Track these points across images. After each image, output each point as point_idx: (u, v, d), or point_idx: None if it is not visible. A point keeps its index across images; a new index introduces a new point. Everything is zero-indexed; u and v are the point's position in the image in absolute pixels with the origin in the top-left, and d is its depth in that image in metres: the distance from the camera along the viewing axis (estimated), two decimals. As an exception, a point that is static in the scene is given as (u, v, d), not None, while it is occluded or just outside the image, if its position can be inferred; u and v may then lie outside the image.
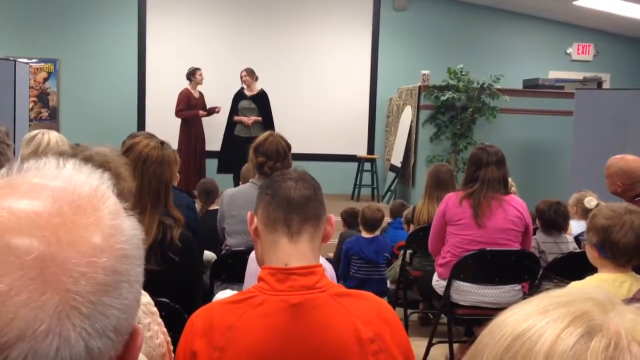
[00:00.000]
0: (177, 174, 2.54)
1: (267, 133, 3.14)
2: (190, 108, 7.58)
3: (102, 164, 1.53)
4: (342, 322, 1.30)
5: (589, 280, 2.10)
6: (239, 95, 7.67)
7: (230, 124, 7.67)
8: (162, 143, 2.31)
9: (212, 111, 7.76)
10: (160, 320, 1.27)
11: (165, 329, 1.30)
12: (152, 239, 2.09)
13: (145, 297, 1.24)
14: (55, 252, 0.50)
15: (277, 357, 1.27)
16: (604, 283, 2.06)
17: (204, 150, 7.77)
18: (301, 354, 1.28)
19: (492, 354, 0.52)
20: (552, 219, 3.75)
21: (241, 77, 7.65)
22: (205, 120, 7.83)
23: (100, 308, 0.51)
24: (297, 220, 1.38)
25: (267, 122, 7.50)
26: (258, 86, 7.70)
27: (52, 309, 0.49)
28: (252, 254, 2.47)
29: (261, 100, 7.64)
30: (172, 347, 1.39)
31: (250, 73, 7.59)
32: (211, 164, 7.83)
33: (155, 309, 1.25)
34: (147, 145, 2.24)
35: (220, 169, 7.55)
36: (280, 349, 1.28)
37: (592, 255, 2.19)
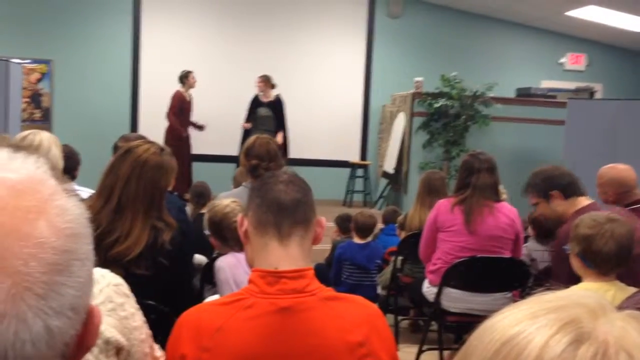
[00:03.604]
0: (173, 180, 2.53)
1: (254, 137, 3.17)
2: (183, 111, 7.56)
3: None
4: (331, 325, 1.30)
5: (573, 289, 2.10)
6: (256, 102, 7.69)
7: (246, 131, 7.66)
8: (162, 149, 2.30)
9: (199, 127, 7.74)
10: (137, 306, 1.27)
11: (146, 318, 1.30)
12: (143, 244, 2.08)
13: (117, 279, 1.23)
14: (0, 237, 0.50)
15: (265, 360, 1.27)
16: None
17: (190, 153, 7.74)
18: (290, 357, 1.27)
19: (481, 358, 0.52)
20: (549, 228, 3.76)
21: (257, 84, 7.69)
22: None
23: (54, 287, 0.51)
24: (288, 224, 1.38)
25: (282, 128, 7.54)
26: (274, 92, 7.72)
27: (5, 293, 0.48)
28: (219, 262, 2.47)
29: (277, 107, 7.68)
30: (153, 342, 1.37)
31: (266, 80, 7.63)
32: (200, 167, 7.80)
33: (129, 292, 1.25)
34: (147, 150, 2.23)
35: None
36: (269, 352, 1.27)
37: (576, 264, 2.20)
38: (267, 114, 7.62)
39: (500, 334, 0.52)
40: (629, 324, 0.51)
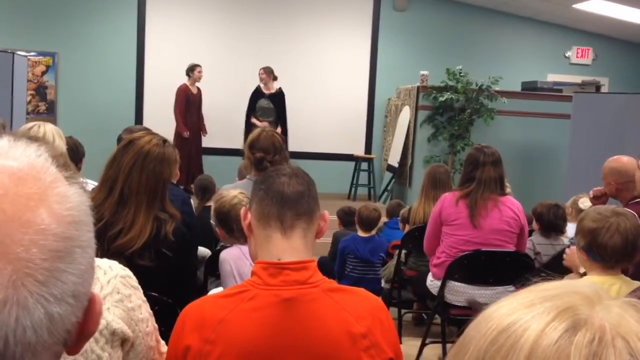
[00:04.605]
0: (177, 172, 2.53)
1: (258, 129, 3.17)
2: (188, 104, 7.56)
3: None
4: (334, 317, 1.30)
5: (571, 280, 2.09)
6: (257, 94, 7.69)
7: (249, 123, 7.68)
8: (165, 141, 2.30)
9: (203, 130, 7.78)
10: (144, 298, 1.27)
11: (151, 310, 1.30)
12: (146, 236, 2.08)
13: (125, 271, 1.24)
14: (2, 224, 0.50)
15: (268, 352, 1.27)
16: None
17: (201, 146, 7.77)
18: (293, 349, 1.28)
19: (478, 347, 0.52)
20: (552, 222, 3.76)
21: (259, 75, 7.69)
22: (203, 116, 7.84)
23: (55, 274, 0.51)
24: (291, 216, 1.38)
25: (282, 121, 7.52)
26: (276, 85, 7.72)
27: (6, 279, 0.48)
28: (223, 254, 2.47)
29: (279, 99, 7.68)
30: (160, 338, 1.38)
31: (268, 72, 7.64)
32: (209, 160, 7.82)
33: (137, 285, 1.25)
34: (150, 142, 2.23)
35: None
36: (272, 343, 1.27)
37: (581, 258, 2.20)
38: (267, 106, 7.63)
39: (496, 323, 0.52)
40: (626, 311, 0.51)
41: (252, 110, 7.68)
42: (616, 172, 3.41)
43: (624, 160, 3.45)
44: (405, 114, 8.11)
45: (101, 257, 1.24)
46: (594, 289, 0.53)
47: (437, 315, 3.62)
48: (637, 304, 0.52)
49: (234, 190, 2.77)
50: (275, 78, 7.68)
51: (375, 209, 4.48)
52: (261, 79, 7.66)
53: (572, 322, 0.49)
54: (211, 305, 1.33)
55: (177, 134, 7.42)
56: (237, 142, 7.77)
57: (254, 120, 7.55)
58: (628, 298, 0.53)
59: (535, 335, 0.49)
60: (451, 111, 7.73)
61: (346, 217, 4.92)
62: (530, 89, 8.13)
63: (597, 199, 3.54)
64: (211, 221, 2.94)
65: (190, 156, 7.43)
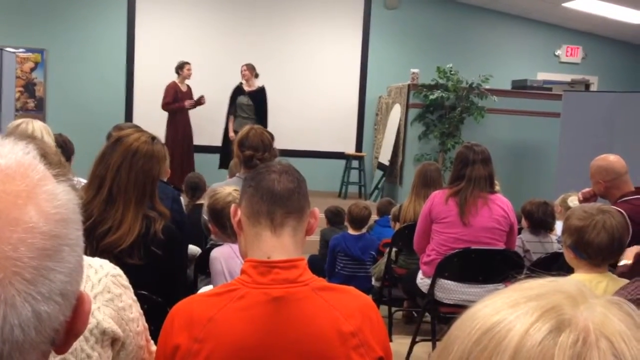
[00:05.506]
0: (168, 169, 2.52)
1: (247, 127, 3.17)
2: (177, 101, 7.53)
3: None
4: (324, 315, 1.30)
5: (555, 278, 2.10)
6: (238, 91, 7.67)
7: (227, 120, 7.67)
8: (153, 138, 2.29)
9: (198, 102, 7.62)
10: (135, 298, 1.26)
11: (141, 309, 1.29)
12: (135, 234, 2.07)
13: (115, 270, 1.23)
14: None
15: (258, 350, 1.27)
16: None
17: (192, 144, 7.74)
18: (282, 347, 1.27)
19: (462, 347, 0.52)
20: (541, 220, 3.78)
21: (241, 72, 7.66)
22: (192, 114, 7.78)
23: (43, 272, 0.51)
24: (280, 213, 1.37)
25: (261, 119, 7.50)
26: (258, 83, 7.69)
27: None
28: (213, 253, 2.47)
29: (259, 97, 7.65)
30: (150, 337, 1.37)
31: (251, 69, 7.63)
32: (199, 158, 7.80)
33: (128, 284, 1.25)
34: (138, 139, 2.21)
35: (222, 165, 7.51)
36: (261, 342, 1.27)
37: (568, 256, 2.21)
38: (247, 103, 7.62)
39: (480, 323, 0.52)
40: (610, 310, 0.51)
41: (232, 107, 7.66)
42: (604, 170, 3.43)
43: (611, 158, 3.46)
44: (396, 112, 8.12)
45: (90, 255, 1.24)
46: (578, 287, 0.53)
47: (427, 313, 3.63)
48: (621, 302, 0.52)
49: (228, 187, 2.76)
50: (256, 76, 7.67)
51: (366, 207, 4.49)
52: (243, 76, 7.65)
53: (556, 323, 0.49)
54: (200, 304, 1.32)
55: (169, 133, 7.39)
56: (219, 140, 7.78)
57: (231, 133, 7.52)
58: (612, 297, 0.53)
59: (520, 336, 0.49)
60: (442, 109, 7.75)
61: (334, 217, 4.92)
62: (520, 88, 8.16)
63: (586, 201, 3.56)
64: (204, 216, 2.93)
65: (182, 155, 7.40)
